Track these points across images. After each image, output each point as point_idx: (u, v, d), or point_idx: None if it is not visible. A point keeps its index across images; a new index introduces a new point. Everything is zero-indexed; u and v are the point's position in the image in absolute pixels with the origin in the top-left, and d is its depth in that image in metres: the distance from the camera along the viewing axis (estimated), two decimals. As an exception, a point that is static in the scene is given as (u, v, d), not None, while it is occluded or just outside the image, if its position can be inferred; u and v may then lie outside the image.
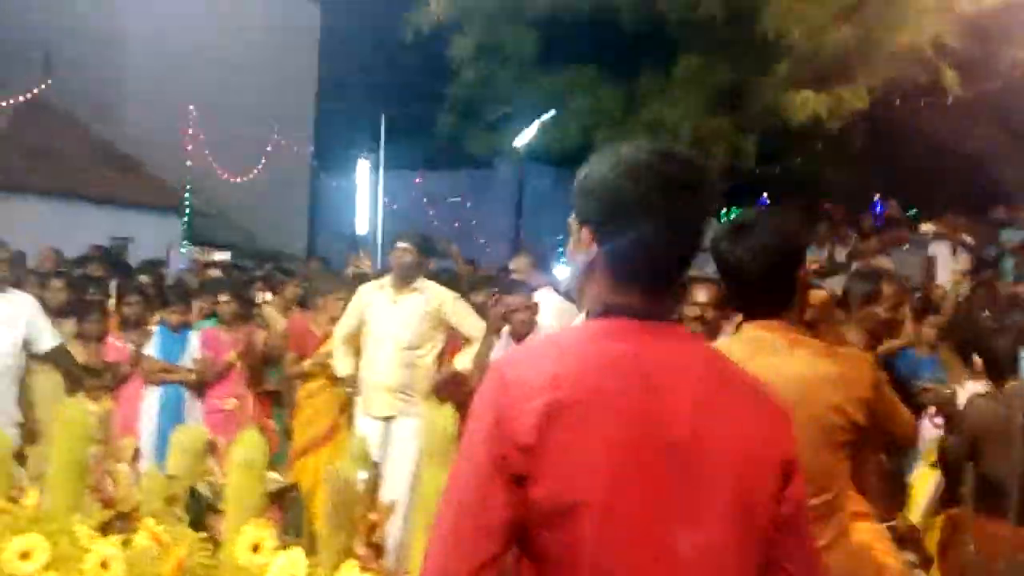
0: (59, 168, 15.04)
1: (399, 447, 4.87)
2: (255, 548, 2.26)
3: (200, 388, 6.03)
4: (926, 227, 9.74)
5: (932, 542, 3.70)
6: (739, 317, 3.93)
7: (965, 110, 11.02)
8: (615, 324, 1.35)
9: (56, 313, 5.59)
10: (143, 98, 17.23)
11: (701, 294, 4.20)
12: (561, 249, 9.79)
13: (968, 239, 9.44)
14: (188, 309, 6.27)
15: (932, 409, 4.07)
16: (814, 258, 10.64)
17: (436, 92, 13.69)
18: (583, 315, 1.43)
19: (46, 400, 4.50)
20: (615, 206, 1.36)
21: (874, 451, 3.27)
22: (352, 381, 5.30)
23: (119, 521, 2.72)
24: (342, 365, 5.34)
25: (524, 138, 13.57)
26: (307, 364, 5.84)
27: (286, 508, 2.84)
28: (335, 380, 5.56)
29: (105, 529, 2.52)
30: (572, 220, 1.42)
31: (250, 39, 18.59)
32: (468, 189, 22.38)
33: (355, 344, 5.33)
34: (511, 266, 6.62)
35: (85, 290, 6.57)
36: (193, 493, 2.77)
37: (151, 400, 5.87)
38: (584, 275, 1.42)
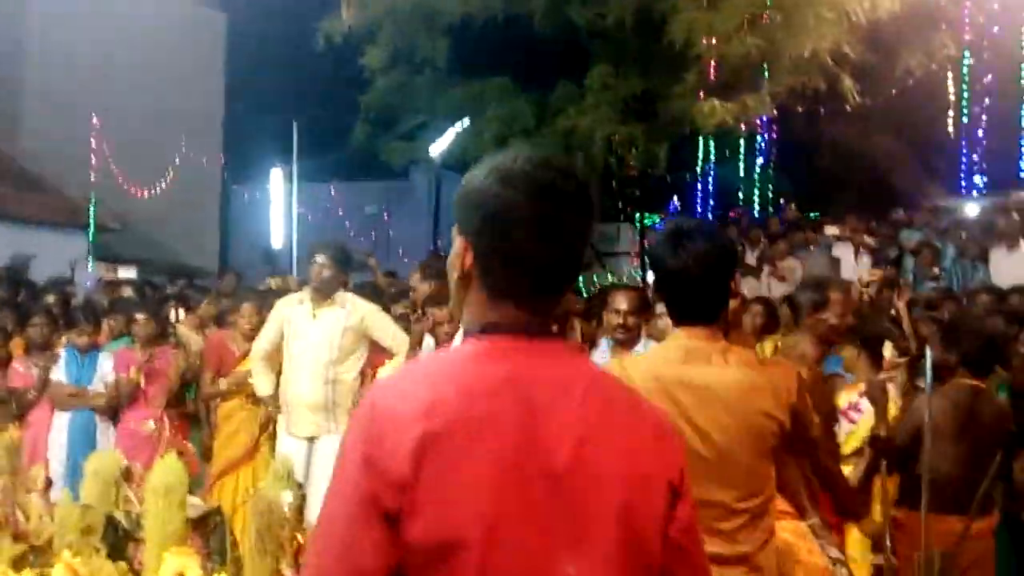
0: (-47, 185, 14.38)
1: (324, 466, 4.78)
2: (179, 576, 2.21)
3: (112, 412, 5.84)
4: (829, 230, 10.10)
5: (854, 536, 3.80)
6: (662, 322, 4.01)
7: (864, 117, 11.49)
8: (493, 343, 1.28)
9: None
10: (43, 110, 16.60)
11: (622, 301, 4.28)
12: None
13: (870, 241, 9.82)
14: (97, 330, 6.06)
15: (844, 404, 4.20)
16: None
17: (349, 101, 13.56)
18: (460, 334, 1.39)
19: (-52, 430, 4.29)
20: (488, 216, 1.30)
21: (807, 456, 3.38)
22: (273, 400, 5.20)
23: (33, 555, 2.62)
24: (262, 384, 5.24)
25: (439, 147, 13.56)
26: (223, 383, 5.71)
27: (209, 533, 2.78)
28: (254, 399, 5.45)
29: (18, 564, 2.43)
30: (454, 231, 1.36)
31: (155, 48, 18.10)
32: (384, 199, 22.24)
33: (274, 361, 5.24)
34: (411, 283, 6.57)
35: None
36: (110, 522, 2.69)
37: (60, 426, 5.66)
38: (460, 290, 1.35)
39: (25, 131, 16.80)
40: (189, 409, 6.09)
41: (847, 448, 4.07)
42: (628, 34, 10.77)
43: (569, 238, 1.31)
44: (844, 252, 9.62)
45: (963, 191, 12.26)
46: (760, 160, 13.83)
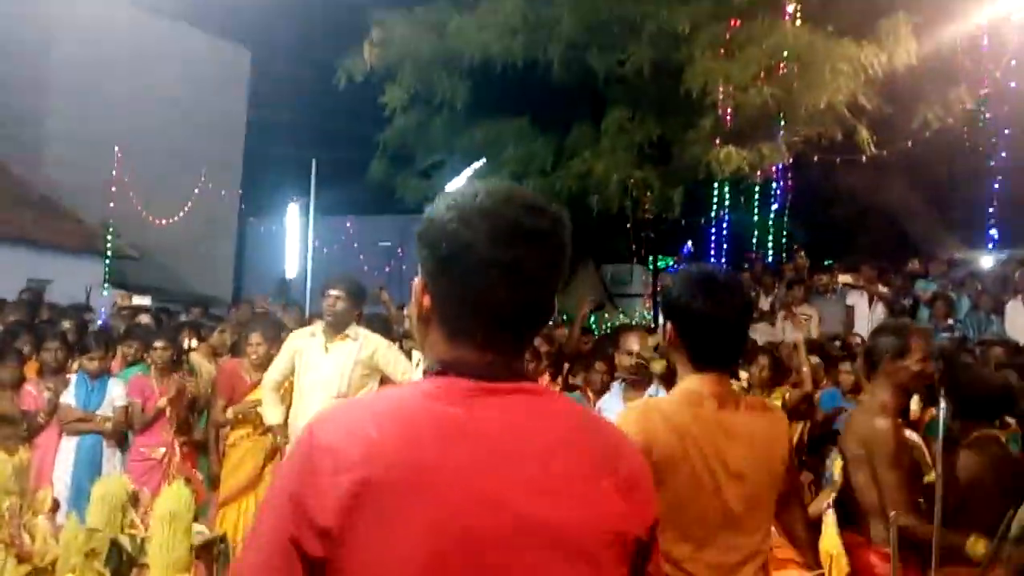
0: (-28, 209, 14.57)
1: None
2: (182, 604, 2.20)
3: (120, 438, 5.85)
4: (843, 278, 10.07)
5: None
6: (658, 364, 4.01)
7: (880, 167, 11.53)
8: (449, 384, 1.18)
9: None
10: (65, 138, 16.87)
11: (633, 342, 4.28)
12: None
13: (884, 290, 9.79)
14: (108, 356, 6.09)
15: None
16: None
17: (368, 138, 13.73)
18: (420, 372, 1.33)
19: (-42, 450, 4.31)
20: (444, 257, 1.20)
21: (800, 502, 3.35)
22: (282, 430, 5.20)
23: (36, 577, 2.62)
24: (271, 414, 5.25)
25: (455, 185, 13.66)
26: (230, 412, 5.72)
27: (212, 561, 2.77)
28: (262, 428, 5.45)
29: (22, 586, 2.42)
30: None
31: (178, 81, 18.40)
32: (399, 235, 22.37)
33: (285, 391, 5.25)
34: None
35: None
36: (115, 546, 2.69)
37: (67, 450, 5.67)
38: (421, 330, 1.27)
39: (48, 159, 17.06)
40: (198, 437, 6.10)
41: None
42: (645, 80, 10.89)
43: (532, 281, 1.20)
44: (858, 301, 9.60)
45: (978, 243, 12.24)
46: (775, 207, 13.86)
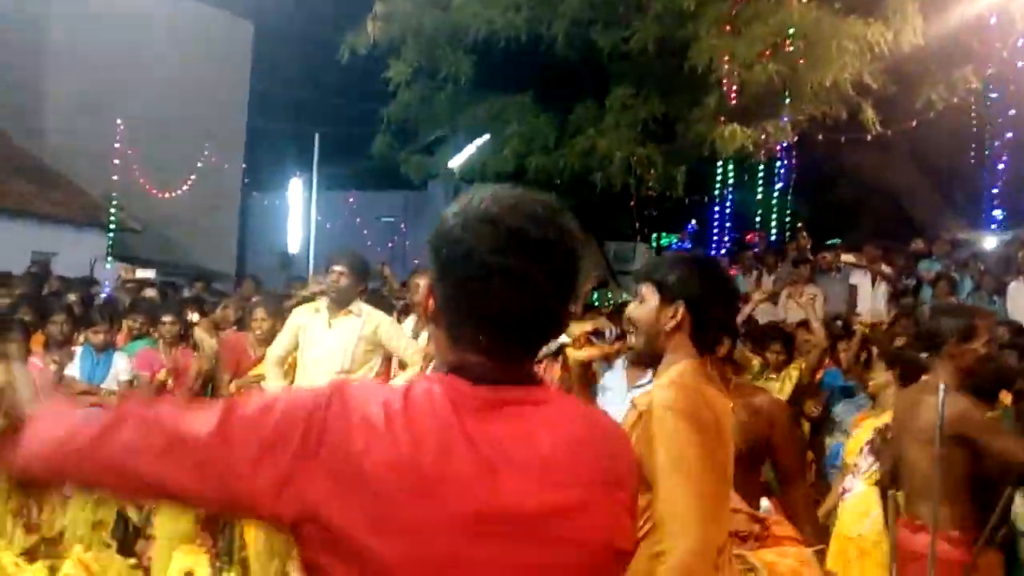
0: (-26, 180, 14.57)
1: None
2: (188, 574, 2.24)
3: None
4: (846, 258, 10.07)
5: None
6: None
7: (884, 147, 11.48)
8: (456, 388, 1.18)
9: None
10: (68, 110, 16.83)
11: None
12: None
13: (887, 270, 9.80)
14: (113, 329, 6.13)
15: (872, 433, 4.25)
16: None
17: (371, 113, 13.68)
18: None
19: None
20: (447, 262, 1.20)
21: (802, 480, 3.39)
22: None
23: (44, 546, 2.66)
24: (274, 389, 5.28)
25: (459, 161, 13.64)
26: (233, 386, 5.75)
27: (218, 534, 2.81)
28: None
29: (31, 555, 2.46)
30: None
31: (182, 53, 18.32)
32: (402, 210, 22.35)
33: (289, 367, 5.28)
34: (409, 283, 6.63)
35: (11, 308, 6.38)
36: (122, 518, 2.73)
37: (73, 422, 5.71)
38: (431, 328, 1.28)
39: (50, 130, 17.03)
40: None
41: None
42: (650, 57, 10.82)
43: (535, 292, 1.18)
44: (861, 280, 9.60)
45: (982, 224, 12.22)
46: (779, 186, 13.81)
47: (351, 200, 21.59)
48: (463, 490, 1.11)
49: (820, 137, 10.82)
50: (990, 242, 11.55)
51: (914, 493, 3.30)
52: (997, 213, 11.89)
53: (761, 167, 12.66)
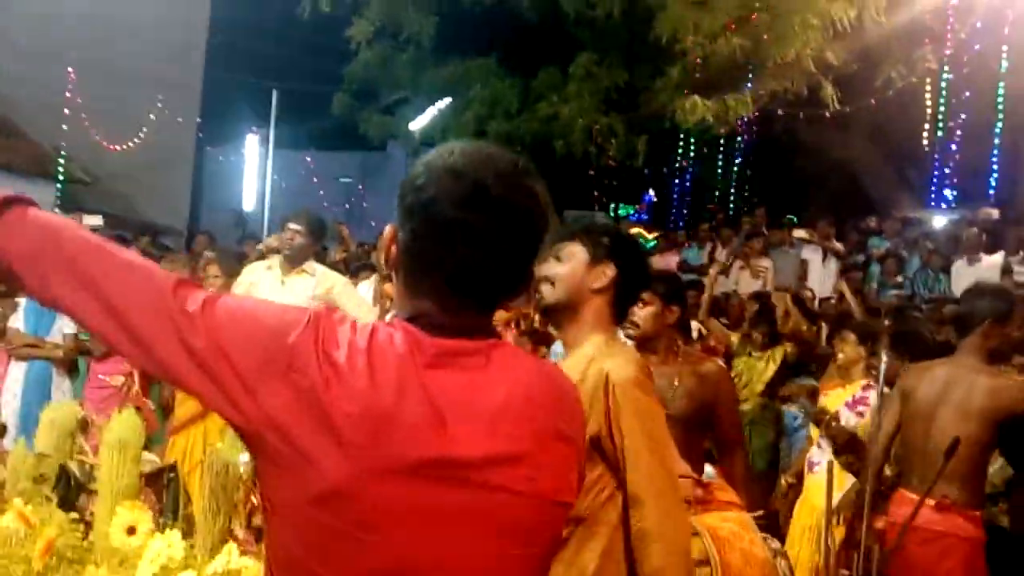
0: (-80, 126, 14.10)
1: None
2: (130, 530, 2.21)
3: (68, 364, 5.79)
4: (798, 233, 10.21)
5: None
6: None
7: (842, 124, 11.61)
8: (414, 337, 1.17)
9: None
10: (16, 56, 16.28)
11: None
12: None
13: (837, 246, 9.95)
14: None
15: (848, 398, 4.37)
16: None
17: (331, 71, 13.47)
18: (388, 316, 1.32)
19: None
20: (409, 211, 1.20)
21: (742, 447, 3.45)
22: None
23: (-17, 501, 2.61)
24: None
25: (420, 123, 13.52)
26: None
27: (162, 489, 2.78)
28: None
29: (-32, 508, 2.41)
30: None
31: (136, 2, 17.81)
32: (360, 171, 22.12)
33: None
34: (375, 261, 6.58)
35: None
36: (64, 472, 2.69)
37: (16, 375, 5.61)
38: (393, 275, 1.28)
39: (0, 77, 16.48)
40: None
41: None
42: (615, 24, 10.78)
43: (494, 250, 1.17)
44: (812, 255, 9.75)
45: (933, 203, 12.45)
46: (738, 160, 13.93)
47: (308, 159, 21.32)
48: (414, 435, 1.12)
49: (780, 112, 10.90)
50: (939, 221, 11.79)
51: (933, 470, 3.27)
52: (948, 193, 12.12)
53: (721, 141, 12.75)
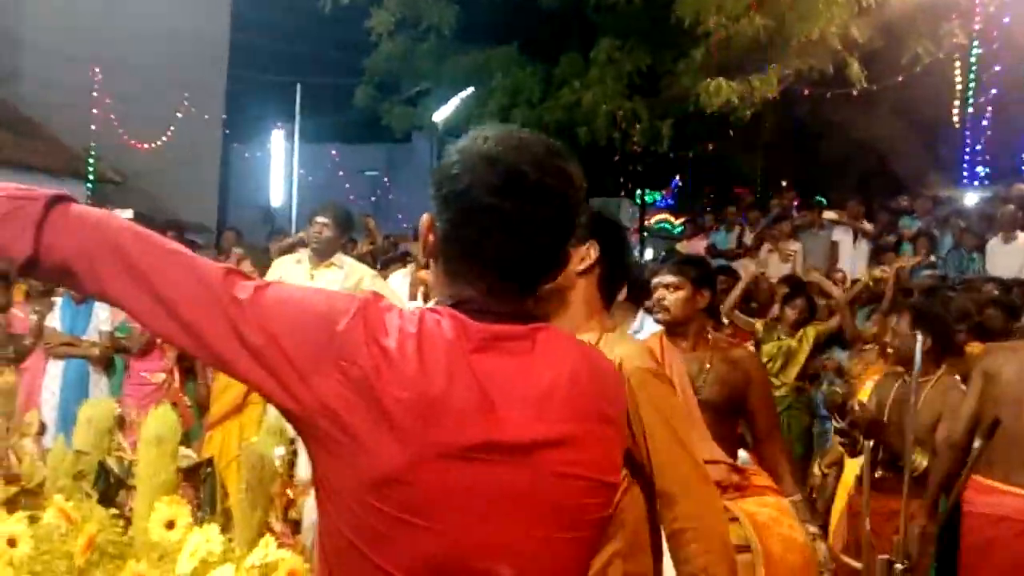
0: (-49, 129, 14.31)
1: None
2: (169, 525, 2.24)
3: (105, 362, 5.87)
4: (828, 214, 10.10)
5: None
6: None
7: (869, 103, 11.45)
8: (459, 322, 1.18)
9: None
10: (44, 58, 16.47)
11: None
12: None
13: (868, 226, 9.83)
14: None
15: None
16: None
17: (353, 64, 13.49)
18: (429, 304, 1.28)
19: (-56, 373, 4.31)
20: (445, 199, 1.21)
21: (778, 433, 3.42)
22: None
23: (24, 498, 2.65)
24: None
25: (443, 114, 13.51)
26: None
27: (199, 484, 2.81)
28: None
29: (10, 506, 2.45)
30: None
31: (161, 1, 17.93)
32: (385, 163, 22.18)
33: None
34: (411, 250, 6.57)
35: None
36: (103, 468, 2.72)
37: (54, 374, 5.70)
38: (431, 263, 1.29)
39: (26, 79, 16.68)
40: (187, 363, 6.13)
41: None
42: (636, 9, 10.70)
43: (532, 235, 1.19)
44: (843, 236, 9.64)
45: (965, 181, 12.25)
46: (763, 142, 13.79)
47: (334, 153, 21.40)
48: (464, 420, 1.13)
49: (806, 92, 10.77)
50: (972, 199, 11.61)
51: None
52: (980, 170, 11.93)
53: (747, 123, 12.62)
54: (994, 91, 11.38)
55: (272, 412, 3.66)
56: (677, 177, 18.61)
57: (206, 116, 19.31)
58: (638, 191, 15.57)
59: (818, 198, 10.81)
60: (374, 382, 1.12)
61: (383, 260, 7.12)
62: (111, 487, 2.67)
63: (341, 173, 20.59)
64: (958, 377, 3.91)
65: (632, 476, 1.92)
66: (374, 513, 1.13)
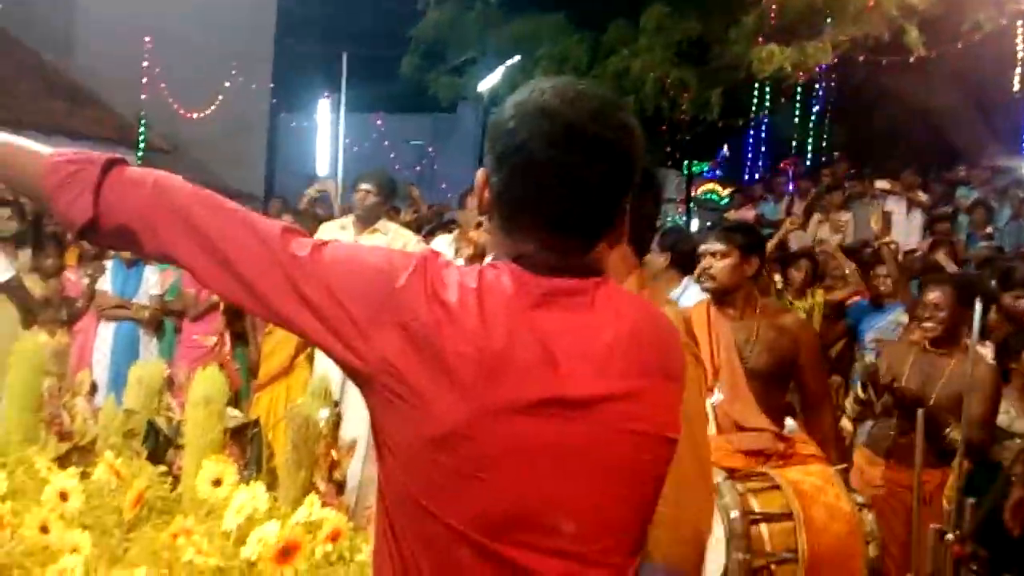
0: (5, 97, 14.57)
1: (359, 387, 4.86)
2: (216, 482, 2.27)
3: (155, 324, 5.98)
4: (880, 184, 9.87)
5: None
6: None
7: (926, 71, 11.12)
8: (519, 277, 1.18)
9: (8, 243, 5.47)
10: (96, 27, 16.68)
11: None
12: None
13: (922, 196, 9.60)
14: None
15: None
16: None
17: (400, 34, 13.46)
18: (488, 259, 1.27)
19: (1, 333, 4.43)
20: (501, 155, 1.18)
21: (828, 401, 3.36)
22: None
23: (76, 455, 2.71)
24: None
25: (488, 83, 13.44)
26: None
27: (246, 444, 2.85)
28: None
29: (63, 462, 2.51)
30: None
31: (208, -29, 18.03)
32: (431, 133, 22.16)
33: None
34: (457, 218, 6.55)
35: (40, 220, 6.43)
36: (152, 428, 2.77)
37: (105, 336, 5.82)
38: (488, 220, 1.27)
39: (78, 48, 16.92)
40: (238, 327, 6.22)
41: None
42: (687, -27, 10.51)
43: (590, 189, 1.16)
44: (896, 207, 9.42)
45: (1024, 151, 11.91)
46: (816, 110, 13.49)
47: (379, 123, 21.42)
48: (527, 375, 1.13)
49: (861, 59, 10.49)
50: (1032, 169, 11.26)
51: None
52: (1041, 139, 11.56)
53: (798, 91, 12.36)
54: (1058, 58, 10.97)
55: (316, 375, 3.70)
56: (725, 147, 18.32)
57: (253, 86, 19.43)
58: (685, 161, 15.37)
59: (867, 170, 10.54)
60: (435, 337, 1.12)
61: (428, 229, 7.12)
62: (160, 446, 2.72)
63: (387, 143, 20.61)
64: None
65: None
66: (436, 468, 1.13)
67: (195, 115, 17.43)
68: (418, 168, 20.52)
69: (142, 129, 15.91)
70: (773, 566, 2.30)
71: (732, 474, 2.43)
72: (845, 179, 10.32)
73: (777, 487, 2.34)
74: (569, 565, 1.16)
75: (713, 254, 3.24)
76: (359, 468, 3.50)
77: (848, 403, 4.20)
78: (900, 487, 3.37)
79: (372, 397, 1.17)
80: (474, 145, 18.35)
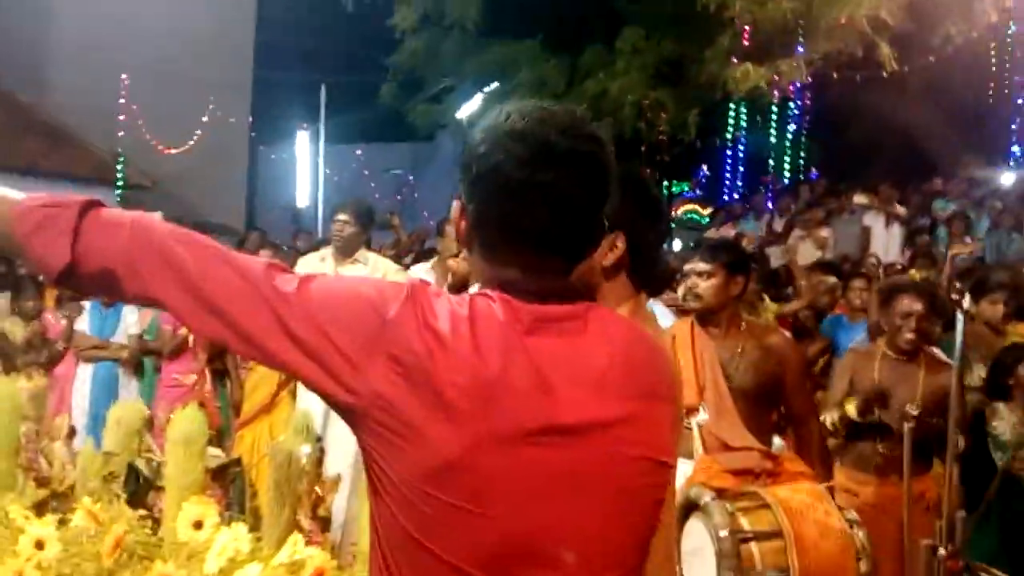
0: (-18, 137, 14.50)
1: (343, 422, 4.81)
2: (197, 525, 2.22)
3: (134, 365, 5.92)
4: (858, 198, 9.94)
5: None
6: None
7: (901, 85, 11.25)
8: (506, 304, 1.16)
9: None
10: (72, 63, 16.66)
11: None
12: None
13: (900, 210, 9.67)
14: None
15: None
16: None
17: (377, 62, 13.51)
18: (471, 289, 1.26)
19: (-25, 377, 4.35)
20: (475, 179, 1.17)
21: (815, 418, 3.35)
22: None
23: (55, 500, 2.65)
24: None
25: (467, 111, 13.48)
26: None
27: (228, 484, 2.80)
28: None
29: (40, 509, 2.45)
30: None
31: (185, 5, 18.06)
32: (410, 162, 22.18)
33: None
34: (437, 246, 6.52)
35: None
36: (132, 470, 2.72)
37: (84, 377, 5.75)
38: (467, 252, 1.26)
39: (53, 87, 16.88)
40: (218, 364, 6.15)
41: None
42: (660, -3, 10.61)
43: (569, 205, 1.15)
44: (874, 221, 9.49)
45: (1000, 161, 12.03)
46: (792, 127, 13.61)
47: (359, 153, 21.46)
48: (523, 403, 1.12)
49: (835, 76, 10.59)
50: (1008, 179, 11.38)
51: None
52: (1016, 149, 11.70)
53: (774, 109, 12.47)
54: (1028, 69, 11.14)
55: (298, 410, 3.66)
56: (704, 167, 18.45)
57: (232, 119, 19.43)
58: (664, 182, 15.45)
59: (843, 185, 10.63)
60: (429, 367, 1.10)
61: (413, 256, 7.10)
62: (140, 488, 2.67)
63: (366, 172, 20.63)
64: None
65: None
66: (432, 502, 1.11)
67: (174, 150, 17.40)
68: (399, 197, 20.52)
69: (120, 167, 15.85)
70: (765, 586, 2.27)
71: (721, 494, 2.41)
72: (824, 195, 10.39)
73: (766, 505, 2.32)
74: None
75: (699, 274, 3.22)
76: (344, 504, 3.45)
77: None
78: (893, 502, 3.34)
79: (365, 433, 1.15)
80: (454, 172, 18.33)
